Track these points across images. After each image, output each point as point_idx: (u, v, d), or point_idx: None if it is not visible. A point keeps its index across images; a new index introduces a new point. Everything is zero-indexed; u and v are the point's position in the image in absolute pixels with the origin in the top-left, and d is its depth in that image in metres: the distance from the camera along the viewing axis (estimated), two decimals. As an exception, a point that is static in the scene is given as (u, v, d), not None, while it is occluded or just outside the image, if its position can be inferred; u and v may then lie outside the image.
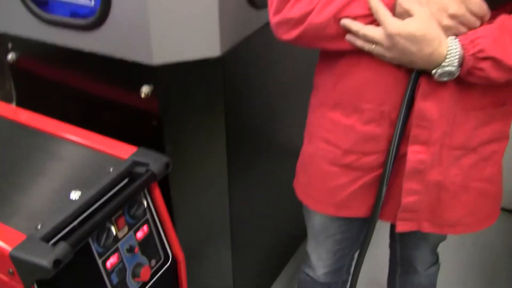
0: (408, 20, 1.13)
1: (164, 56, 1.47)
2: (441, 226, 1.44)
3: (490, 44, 1.12)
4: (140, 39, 1.46)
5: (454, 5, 1.11)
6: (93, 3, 1.55)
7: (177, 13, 1.44)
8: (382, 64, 1.23)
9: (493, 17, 1.14)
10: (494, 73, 1.15)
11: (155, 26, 1.43)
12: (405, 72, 1.22)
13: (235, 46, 1.59)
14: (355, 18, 1.19)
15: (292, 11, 1.25)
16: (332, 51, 1.32)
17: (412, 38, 1.13)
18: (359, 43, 1.21)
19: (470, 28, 1.14)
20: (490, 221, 1.49)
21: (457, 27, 1.13)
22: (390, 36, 1.15)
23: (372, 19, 1.18)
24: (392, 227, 1.70)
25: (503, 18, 1.15)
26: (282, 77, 1.98)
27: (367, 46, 1.20)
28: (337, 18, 1.20)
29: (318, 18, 1.22)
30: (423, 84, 1.22)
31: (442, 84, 1.20)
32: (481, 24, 1.14)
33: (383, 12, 1.15)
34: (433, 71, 1.16)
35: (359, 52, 1.23)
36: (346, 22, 1.19)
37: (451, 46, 1.14)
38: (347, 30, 1.21)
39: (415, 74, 1.21)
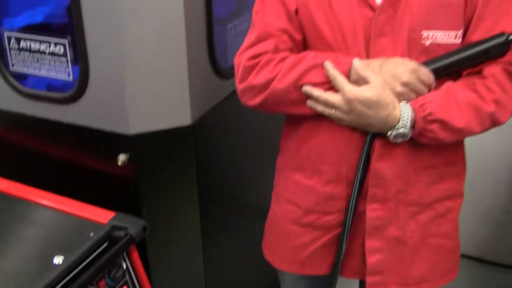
0: (364, 86, 1.25)
1: (140, 126, 1.58)
2: (408, 286, 1.50)
3: (437, 107, 1.25)
4: (116, 110, 1.57)
5: (406, 74, 1.24)
6: (71, 78, 1.65)
7: (151, 86, 1.56)
8: (340, 128, 1.34)
9: (439, 85, 1.28)
10: (442, 134, 1.28)
11: (131, 98, 1.55)
12: (360, 135, 1.34)
13: (205, 114, 1.71)
14: (314, 84, 1.30)
15: (256, 78, 1.36)
16: (294, 116, 1.43)
17: (368, 103, 1.24)
18: (320, 108, 1.32)
19: (419, 94, 1.27)
20: (451, 276, 1.56)
21: (408, 93, 1.26)
22: (348, 101, 1.26)
23: (330, 85, 1.29)
24: (361, 283, 1.77)
25: (448, 85, 1.29)
26: (251, 141, 2.09)
27: (327, 111, 1.31)
28: (297, 85, 1.31)
29: (280, 84, 1.33)
30: (377, 146, 1.33)
31: (396, 145, 1.32)
32: (429, 91, 1.28)
33: (340, 80, 1.27)
34: (388, 133, 1.28)
35: (319, 117, 1.35)
36: (308, 89, 1.31)
37: (403, 110, 1.26)
38: (308, 96, 1.32)
39: (370, 137, 1.32)
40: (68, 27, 1.64)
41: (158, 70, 1.56)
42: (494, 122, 1.31)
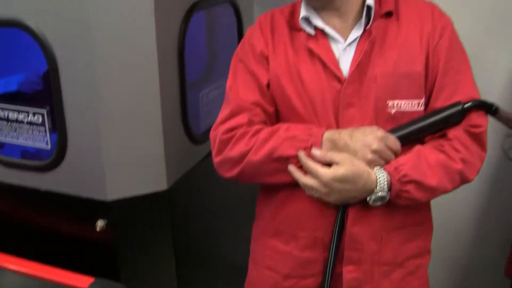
0: (335, 166, 1.31)
1: (117, 192, 1.64)
2: None
3: (411, 169, 1.33)
4: (94, 177, 1.63)
5: (376, 142, 1.31)
6: (49, 146, 1.70)
7: (128, 153, 1.63)
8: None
9: (405, 150, 1.36)
10: (417, 194, 1.35)
11: (109, 165, 1.61)
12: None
13: (180, 178, 1.78)
14: (288, 157, 1.36)
15: (232, 151, 1.40)
16: (270, 185, 1.49)
17: (344, 179, 1.30)
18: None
19: (387, 160, 1.34)
20: None
21: (378, 160, 1.33)
22: (326, 184, 1.32)
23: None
24: None
25: (418, 148, 1.37)
26: (225, 202, 2.16)
27: (309, 192, 1.37)
28: (272, 157, 1.37)
29: (255, 156, 1.38)
30: (351, 212, 1.40)
31: (369, 209, 1.38)
32: (395, 157, 1.36)
33: (313, 167, 1.33)
34: (368, 198, 1.34)
35: (293, 185, 1.40)
36: (291, 169, 1.36)
37: (379, 174, 1.33)
38: (283, 168, 1.37)
39: (343, 206, 1.38)
40: (45, 95, 1.70)
41: (135, 137, 1.63)
42: (464, 179, 1.39)
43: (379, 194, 1.31)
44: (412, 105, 1.37)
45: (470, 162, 1.37)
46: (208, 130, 1.93)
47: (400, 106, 1.36)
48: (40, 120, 1.69)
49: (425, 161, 1.34)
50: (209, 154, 1.94)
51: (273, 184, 1.44)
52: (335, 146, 1.33)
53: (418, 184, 1.32)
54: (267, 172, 1.39)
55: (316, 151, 1.32)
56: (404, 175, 1.31)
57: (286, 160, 1.36)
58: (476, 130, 1.38)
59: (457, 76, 1.39)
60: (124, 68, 1.57)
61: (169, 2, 1.64)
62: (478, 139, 1.39)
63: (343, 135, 1.33)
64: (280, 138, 1.36)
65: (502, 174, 2.22)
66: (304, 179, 1.34)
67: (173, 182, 1.73)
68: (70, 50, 1.54)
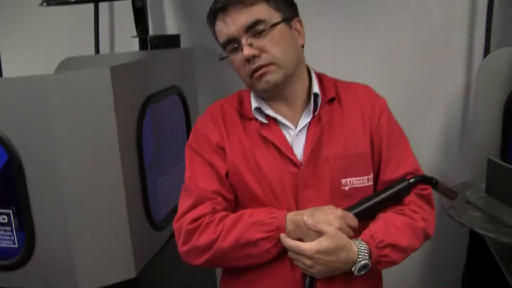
0: (320, 238, 1.40)
1: (88, 284, 1.67)
2: None
3: (384, 235, 1.45)
4: (64, 271, 1.66)
5: (337, 221, 1.43)
6: (16, 245, 1.72)
7: (97, 245, 1.68)
8: (280, 271, 1.49)
9: (362, 226, 1.49)
10: (395, 256, 1.47)
11: (78, 259, 1.65)
12: (300, 278, 1.48)
13: (146, 265, 1.84)
14: (256, 241, 1.44)
15: (200, 240, 1.45)
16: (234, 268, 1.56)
17: (328, 252, 1.39)
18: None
19: (348, 237, 1.44)
20: None
21: None
22: (311, 257, 1.40)
23: (270, 239, 1.43)
24: None
25: (383, 215, 1.51)
26: (192, 280, 2.21)
27: (296, 263, 1.45)
28: (239, 243, 1.45)
29: (223, 243, 1.45)
30: (319, 284, 1.48)
31: (332, 280, 1.47)
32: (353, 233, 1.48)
33: (297, 245, 1.41)
34: (353, 269, 1.43)
35: (260, 265, 1.49)
36: (283, 240, 1.43)
37: (358, 244, 1.44)
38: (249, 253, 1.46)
39: (309, 278, 1.47)
40: (10, 195, 1.74)
41: (102, 230, 1.69)
42: (426, 236, 1.55)
43: (362, 262, 1.42)
44: (363, 181, 1.52)
45: (428, 220, 1.54)
46: (166, 217, 2.04)
47: (353, 183, 1.51)
48: (6, 220, 1.71)
49: (393, 226, 1.48)
50: (170, 238, 2.04)
51: (241, 267, 1.52)
52: (299, 227, 1.43)
53: (393, 246, 1.45)
54: (236, 258, 1.47)
55: (308, 220, 1.41)
56: (381, 241, 1.44)
57: (254, 244, 1.44)
58: (425, 192, 1.56)
59: (399, 149, 1.57)
60: (88, 164, 1.65)
61: (127, 98, 1.75)
62: (428, 199, 1.57)
63: (306, 215, 1.43)
64: (246, 224, 1.45)
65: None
66: (293, 256, 1.43)
67: (140, 269, 1.78)
68: (33, 149, 1.60)
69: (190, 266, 2.19)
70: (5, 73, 2.89)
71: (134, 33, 2.75)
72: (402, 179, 1.53)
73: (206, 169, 1.54)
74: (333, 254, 1.40)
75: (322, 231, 1.41)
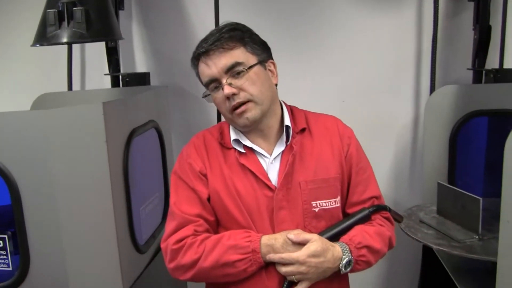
0: (308, 244, 1.58)
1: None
2: None
3: (361, 238, 1.65)
4: (57, 293, 1.77)
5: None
6: (11, 267, 1.82)
7: (89, 268, 1.80)
8: (258, 285, 1.64)
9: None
10: (370, 257, 1.66)
11: (72, 281, 1.76)
12: (276, 286, 1.63)
13: (132, 284, 1.97)
14: (233, 262, 1.59)
15: (184, 259, 1.61)
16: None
17: (317, 254, 1.57)
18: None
19: None
20: None
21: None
22: (303, 262, 1.57)
23: (245, 261, 1.59)
24: None
25: (357, 226, 1.69)
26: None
27: (289, 278, 1.61)
28: (219, 264, 1.60)
29: (205, 263, 1.61)
30: None
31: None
32: None
33: (289, 255, 1.58)
34: (340, 265, 1.61)
35: (243, 280, 1.63)
36: (273, 257, 1.59)
37: (340, 245, 1.63)
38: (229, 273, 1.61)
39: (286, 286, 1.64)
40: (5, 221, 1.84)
41: (94, 254, 1.81)
42: (391, 245, 1.77)
43: (347, 259, 1.61)
44: (331, 203, 1.71)
45: (392, 232, 1.77)
46: (147, 241, 2.17)
47: (322, 205, 1.70)
48: (2, 244, 1.81)
49: (366, 233, 1.68)
50: (151, 261, 2.16)
51: (224, 283, 1.67)
52: (273, 250, 1.60)
53: (369, 248, 1.66)
54: (217, 276, 1.63)
55: (290, 235, 1.60)
56: (359, 243, 1.64)
57: (232, 265, 1.60)
58: (385, 215, 1.80)
59: (365, 174, 1.79)
60: (81, 192, 1.77)
61: (116, 131, 1.90)
62: (389, 219, 1.80)
63: (278, 240, 1.61)
64: (225, 246, 1.61)
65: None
66: (285, 269, 1.60)
67: (127, 288, 1.92)
68: (30, 178, 1.71)
69: (172, 284, 2.33)
70: (-20, 109, 2.98)
71: (104, 71, 2.91)
72: (363, 209, 1.74)
73: (190, 194, 1.70)
74: (322, 256, 1.58)
75: (306, 239, 1.60)
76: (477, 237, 2.01)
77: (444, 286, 2.20)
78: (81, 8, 2.03)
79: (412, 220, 2.29)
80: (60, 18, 2.03)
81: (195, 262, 1.61)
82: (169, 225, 1.69)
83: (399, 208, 2.73)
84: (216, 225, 1.73)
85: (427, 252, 2.57)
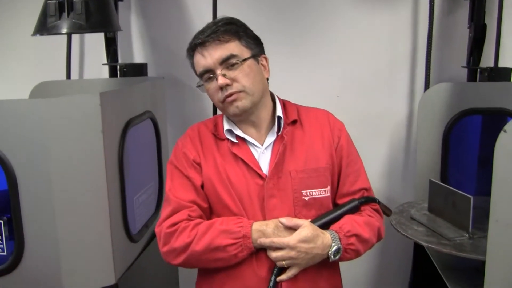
0: (299, 230, 1.63)
1: (74, 288, 1.82)
2: None
3: (350, 227, 1.70)
4: (51, 278, 1.80)
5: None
6: (5, 252, 1.85)
7: (82, 256, 1.84)
8: (247, 274, 1.68)
9: None
10: (359, 246, 1.71)
11: (65, 267, 1.80)
12: (265, 275, 1.67)
13: (124, 273, 2.00)
14: (224, 246, 1.64)
15: (177, 242, 1.67)
16: (208, 269, 1.75)
17: (307, 239, 1.62)
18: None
19: None
20: None
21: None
22: (294, 246, 1.61)
23: (236, 246, 1.63)
24: None
25: (347, 216, 1.74)
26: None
27: (279, 264, 1.65)
28: (211, 247, 1.65)
29: (197, 247, 1.66)
30: (284, 284, 1.69)
31: (297, 279, 1.67)
32: None
33: (280, 240, 1.63)
34: (329, 252, 1.65)
35: (229, 268, 1.69)
36: (264, 241, 1.64)
37: (330, 233, 1.68)
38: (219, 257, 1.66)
39: (275, 274, 1.67)
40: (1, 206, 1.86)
41: (87, 241, 1.84)
42: (379, 236, 1.81)
43: (336, 246, 1.65)
44: (321, 192, 1.76)
45: (381, 223, 1.81)
46: (140, 231, 2.20)
47: (312, 194, 1.75)
48: (-3, 228, 1.85)
49: (355, 222, 1.73)
50: (143, 249, 2.19)
51: (215, 268, 1.71)
52: (264, 235, 1.64)
53: (358, 237, 1.70)
54: (208, 259, 1.67)
55: (282, 219, 1.65)
56: (348, 231, 1.69)
57: (223, 249, 1.65)
58: (374, 207, 1.83)
59: (356, 166, 1.84)
60: (77, 180, 1.80)
61: (112, 121, 1.93)
62: (378, 211, 1.84)
63: (270, 226, 1.66)
64: (216, 231, 1.66)
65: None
66: (276, 254, 1.64)
67: (119, 277, 1.94)
68: (27, 165, 1.74)
69: (163, 273, 2.36)
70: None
71: (103, 60, 2.92)
72: (352, 200, 1.78)
73: (184, 181, 1.76)
74: (312, 241, 1.63)
75: (297, 224, 1.64)
76: (467, 235, 2.03)
77: (435, 283, 2.22)
78: (81, -1, 2.06)
79: (403, 217, 2.30)
80: (60, 9, 2.08)
81: (187, 246, 1.66)
82: (164, 211, 1.75)
83: (392, 204, 2.76)
84: (210, 213, 1.77)
85: (418, 249, 2.60)
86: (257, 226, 1.67)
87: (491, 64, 2.66)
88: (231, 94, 1.69)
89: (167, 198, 1.77)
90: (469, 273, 2.11)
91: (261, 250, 1.67)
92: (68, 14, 2.05)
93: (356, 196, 1.81)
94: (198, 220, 1.71)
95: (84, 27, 2.06)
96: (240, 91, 1.70)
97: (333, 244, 1.67)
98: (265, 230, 1.65)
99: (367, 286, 3.16)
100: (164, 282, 2.63)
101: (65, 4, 2.06)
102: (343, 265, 1.83)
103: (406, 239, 2.13)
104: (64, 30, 2.05)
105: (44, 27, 2.06)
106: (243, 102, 1.71)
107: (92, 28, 2.10)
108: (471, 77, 2.67)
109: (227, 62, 1.69)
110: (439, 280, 2.14)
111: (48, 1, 2.06)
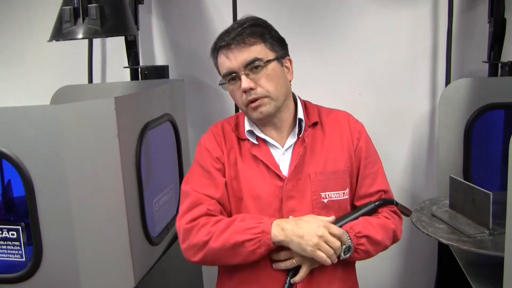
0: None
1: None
2: None
3: (362, 228, 1.68)
4: (69, 284, 1.82)
5: (320, 229, 1.61)
6: (24, 258, 1.88)
7: (100, 260, 1.85)
8: (268, 279, 1.69)
9: None
10: (369, 247, 1.69)
11: (83, 272, 1.81)
12: (280, 277, 1.68)
13: (144, 276, 2.01)
14: (243, 242, 1.62)
15: (196, 238, 1.65)
16: (229, 267, 1.75)
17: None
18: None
19: (332, 245, 1.61)
20: None
21: (323, 244, 1.60)
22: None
23: (255, 241, 1.61)
24: None
25: (362, 217, 1.72)
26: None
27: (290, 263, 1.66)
28: (229, 243, 1.63)
29: (215, 244, 1.65)
30: (298, 285, 1.69)
31: (311, 281, 1.68)
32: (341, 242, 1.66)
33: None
34: (340, 250, 1.64)
35: (252, 266, 1.68)
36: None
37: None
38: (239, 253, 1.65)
39: (290, 276, 1.67)
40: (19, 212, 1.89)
41: (106, 245, 1.86)
42: (395, 238, 1.79)
43: (346, 245, 1.64)
44: (339, 194, 1.75)
45: (397, 225, 1.79)
46: (160, 234, 2.21)
47: (331, 197, 1.74)
48: (15, 235, 1.87)
49: (369, 223, 1.71)
50: (164, 252, 2.21)
51: (233, 265, 1.71)
52: (283, 232, 1.62)
53: (369, 238, 1.68)
54: (226, 256, 1.65)
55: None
56: (359, 232, 1.67)
57: (241, 245, 1.62)
58: (392, 209, 1.81)
59: (374, 167, 1.82)
60: (94, 185, 1.82)
61: (128, 125, 1.94)
62: (396, 212, 1.82)
63: (290, 223, 1.64)
64: (236, 227, 1.64)
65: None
66: (284, 252, 1.66)
67: (139, 280, 1.95)
68: (43, 171, 1.76)
69: (186, 276, 2.37)
70: (4, 101, 3.07)
71: (125, 63, 2.96)
72: (370, 202, 1.77)
73: (205, 176, 1.75)
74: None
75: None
76: (487, 232, 2.00)
77: (460, 280, 2.19)
78: (95, 5, 2.10)
79: (424, 214, 2.28)
80: (75, 14, 2.10)
81: (206, 243, 1.65)
82: (183, 204, 1.74)
83: (415, 201, 2.77)
84: (229, 214, 1.76)
85: (442, 246, 2.56)
86: (278, 222, 1.65)
87: (512, 59, 2.61)
88: (255, 100, 1.69)
89: (187, 192, 1.75)
90: (491, 270, 2.07)
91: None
92: (83, 20, 2.08)
93: (374, 198, 1.79)
94: (220, 217, 1.69)
95: (99, 32, 2.09)
96: (264, 96, 1.70)
97: (345, 243, 1.65)
98: (285, 226, 1.63)
99: (393, 286, 3.13)
100: (188, 285, 2.64)
101: (80, 10, 2.08)
102: (369, 266, 1.82)
103: (431, 237, 2.10)
104: (80, 36, 2.08)
105: (59, 33, 2.09)
106: (267, 108, 1.71)
107: (107, 32, 2.12)
108: (492, 72, 2.62)
109: (251, 65, 1.69)
110: (464, 278, 2.11)
111: (63, 7, 2.09)
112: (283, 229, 1.63)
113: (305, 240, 1.60)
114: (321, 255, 1.60)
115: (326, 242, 1.61)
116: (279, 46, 1.76)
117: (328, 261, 1.62)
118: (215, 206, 1.72)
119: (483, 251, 1.89)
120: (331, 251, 1.61)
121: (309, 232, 1.61)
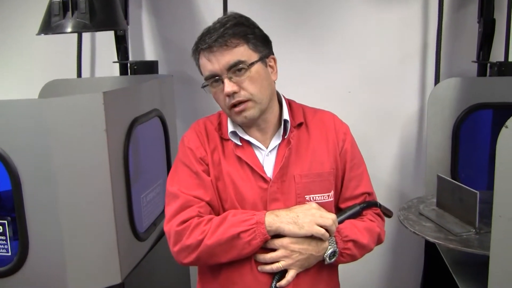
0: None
1: (79, 288, 1.84)
2: None
3: (349, 232, 1.68)
4: (56, 278, 1.81)
5: (312, 208, 1.64)
6: (10, 253, 1.86)
7: (86, 254, 1.85)
8: (253, 281, 1.67)
9: None
10: (355, 251, 1.70)
11: (70, 267, 1.81)
12: (266, 280, 1.66)
13: (130, 272, 2.01)
14: (238, 233, 1.60)
15: (190, 239, 1.61)
16: (209, 269, 1.74)
17: (300, 240, 1.61)
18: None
19: (328, 228, 1.63)
20: None
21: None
22: (287, 246, 1.60)
23: (250, 232, 1.60)
24: None
25: (348, 220, 1.73)
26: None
27: (276, 266, 1.64)
28: (224, 237, 1.60)
29: (210, 240, 1.62)
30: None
31: (297, 283, 1.66)
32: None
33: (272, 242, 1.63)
34: (325, 255, 1.64)
35: (239, 263, 1.66)
36: (259, 257, 1.65)
37: None
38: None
39: (274, 285, 1.66)
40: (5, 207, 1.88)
41: (92, 240, 1.86)
42: (379, 240, 1.79)
43: (332, 249, 1.64)
44: (324, 197, 1.73)
45: (382, 228, 1.79)
46: (148, 229, 2.20)
47: (315, 199, 1.72)
48: (1, 229, 1.86)
49: (355, 227, 1.71)
50: (151, 248, 2.20)
51: (226, 262, 1.67)
52: (278, 218, 1.61)
53: (355, 242, 1.68)
54: (221, 251, 1.63)
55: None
56: (346, 236, 1.67)
57: (237, 236, 1.60)
58: (376, 211, 1.82)
59: (359, 169, 1.81)
60: (81, 179, 1.81)
61: (116, 120, 1.93)
62: (379, 215, 1.82)
63: (283, 210, 1.64)
64: (230, 221, 1.62)
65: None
66: (270, 255, 1.64)
67: (125, 276, 1.95)
68: (30, 165, 1.76)
69: (173, 272, 2.36)
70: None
71: (114, 58, 2.94)
72: (355, 205, 1.77)
73: (192, 178, 1.71)
74: (305, 242, 1.62)
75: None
76: (474, 231, 2.01)
77: (447, 278, 2.21)
78: (85, -2, 2.08)
79: (411, 213, 2.29)
80: (64, 8, 2.09)
81: (200, 242, 1.62)
82: (171, 207, 1.69)
83: (403, 199, 2.78)
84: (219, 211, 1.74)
85: (429, 244, 2.58)
86: (271, 211, 1.64)
87: (501, 59, 2.63)
88: (239, 103, 1.66)
89: (174, 194, 1.71)
90: (477, 268, 2.08)
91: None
92: (73, 14, 2.07)
93: (358, 201, 1.79)
94: (212, 216, 1.67)
95: (88, 26, 2.08)
96: (247, 100, 1.66)
97: (329, 247, 1.65)
98: (279, 213, 1.63)
99: (380, 284, 3.15)
100: (175, 281, 2.64)
101: (69, 3, 2.07)
102: (356, 264, 1.82)
103: (418, 235, 2.11)
104: (69, 29, 2.07)
105: (48, 27, 2.08)
106: (251, 112, 1.67)
107: (97, 27, 2.11)
108: (481, 72, 2.64)
109: (234, 68, 1.64)
110: (450, 276, 2.12)
111: (53, 1, 2.08)
112: (277, 216, 1.63)
113: (301, 218, 1.62)
114: (319, 229, 1.61)
115: (321, 217, 1.62)
116: (263, 45, 1.71)
117: (327, 235, 1.63)
118: (205, 208, 1.69)
119: (469, 249, 1.90)
120: (330, 221, 1.62)
121: (303, 211, 1.64)
